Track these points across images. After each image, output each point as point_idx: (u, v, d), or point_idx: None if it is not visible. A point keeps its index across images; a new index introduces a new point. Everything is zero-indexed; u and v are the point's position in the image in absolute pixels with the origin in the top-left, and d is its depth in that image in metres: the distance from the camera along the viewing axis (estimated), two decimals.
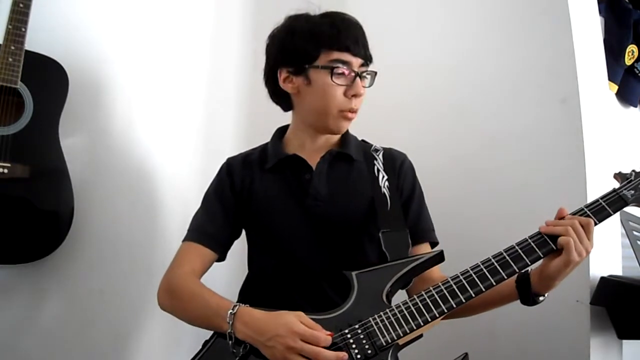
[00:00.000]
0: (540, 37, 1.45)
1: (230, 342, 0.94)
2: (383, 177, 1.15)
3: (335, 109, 1.09)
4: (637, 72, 1.89)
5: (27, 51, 1.22)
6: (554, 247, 0.93)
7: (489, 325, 1.33)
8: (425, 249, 1.14)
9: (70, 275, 1.37)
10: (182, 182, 1.62)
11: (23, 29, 1.21)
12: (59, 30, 1.39)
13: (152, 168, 1.57)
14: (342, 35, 1.07)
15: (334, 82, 1.06)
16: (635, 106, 1.98)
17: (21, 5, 1.21)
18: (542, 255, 0.94)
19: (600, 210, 0.97)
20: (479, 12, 1.60)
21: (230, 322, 0.93)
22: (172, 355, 1.55)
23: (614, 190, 1.00)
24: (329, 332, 0.90)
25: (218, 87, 1.77)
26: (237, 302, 1.08)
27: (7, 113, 1.22)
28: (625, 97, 1.90)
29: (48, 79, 1.28)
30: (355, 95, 1.08)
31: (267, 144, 1.22)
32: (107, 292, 1.43)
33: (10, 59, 1.19)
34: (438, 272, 1.11)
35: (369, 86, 1.12)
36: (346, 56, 1.07)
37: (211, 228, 1.13)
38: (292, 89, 1.13)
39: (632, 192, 0.99)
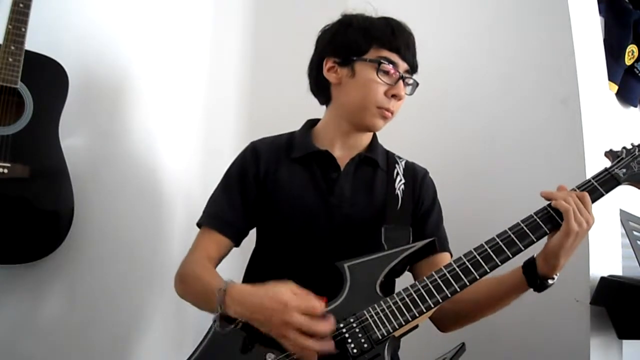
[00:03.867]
0: (540, 37, 1.45)
1: (217, 321, 0.93)
2: (400, 180, 1.16)
3: (374, 104, 1.10)
4: (637, 72, 1.89)
5: (27, 51, 1.22)
6: (559, 221, 0.92)
7: (488, 324, 1.32)
8: (445, 258, 1.13)
9: (70, 275, 1.37)
10: (182, 181, 1.62)
11: (23, 29, 1.21)
12: (59, 30, 1.39)
13: (152, 168, 1.57)
14: (395, 36, 1.10)
15: (379, 78, 1.09)
16: (635, 106, 1.98)
17: (21, 5, 1.21)
18: (547, 232, 0.93)
19: (592, 190, 0.96)
20: (478, 12, 1.60)
21: (220, 299, 0.93)
22: (173, 356, 1.54)
23: (606, 169, 0.98)
24: (321, 297, 0.89)
25: (218, 87, 1.77)
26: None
27: (7, 113, 1.22)
28: (625, 97, 1.90)
29: (48, 79, 1.28)
30: (395, 96, 1.10)
31: (293, 132, 1.22)
32: (107, 292, 1.43)
33: (10, 59, 1.19)
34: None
35: (410, 94, 1.14)
36: (395, 57, 1.09)
37: (229, 215, 1.13)
38: (335, 79, 1.14)
39: (624, 170, 0.96)
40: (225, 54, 1.81)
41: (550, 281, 0.97)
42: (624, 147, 1.01)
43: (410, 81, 1.13)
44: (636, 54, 1.86)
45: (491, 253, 0.93)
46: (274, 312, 0.87)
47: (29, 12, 1.22)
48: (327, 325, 0.87)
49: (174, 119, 1.63)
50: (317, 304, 0.88)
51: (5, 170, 1.18)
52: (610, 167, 0.98)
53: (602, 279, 1.26)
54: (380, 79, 1.08)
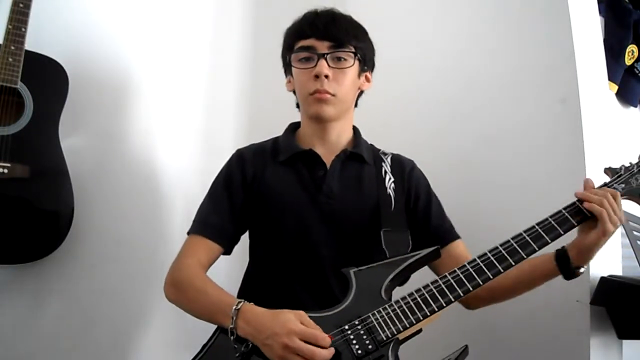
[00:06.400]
0: (540, 37, 1.45)
1: (232, 337, 0.94)
2: (390, 179, 1.16)
3: (305, 93, 1.11)
4: (637, 72, 1.89)
5: (27, 51, 1.22)
6: (588, 214, 0.97)
7: (489, 324, 1.33)
8: (460, 246, 1.15)
9: (70, 275, 1.37)
10: (182, 181, 1.62)
11: (23, 29, 1.21)
12: (59, 30, 1.39)
13: (152, 168, 1.57)
14: (307, 22, 1.12)
15: (298, 67, 1.12)
16: (635, 106, 1.98)
17: (21, 5, 1.21)
18: (575, 224, 0.98)
19: None
20: (479, 12, 1.60)
21: (234, 318, 0.94)
22: (173, 356, 1.54)
23: (605, 184, 1.04)
24: (328, 335, 0.90)
25: (218, 86, 1.77)
26: (238, 294, 1.10)
27: (7, 113, 1.22)
28: (625, 97, 1.90)
29: (48, 79, 1.28)
30: (317, 76, 1.09)
31: (278, 137, 1.23)
32: (107, 292, 1.43)
33: (10, 59, 1.19)
34: (466, 254, 1.13)
35: (350, 66, 1.11)
36: (310, 42, 1.10)
37: (217, 221, 1.13)
38: (290, 87, 1.19)
39: (623, 185, 1.03)
40: (225, 54, 1.81)
41: (581, 270, 1.01)
42: (623, 165, 1.07)
43: (343, 54, 1.10)
44: (636, 54, 1.86)
45: (493, 260, 0.96)
46: (276, 335, 0.88)
47: (29, 12, 1.22)
48: (326, 353, 0.87)
49: (174, 119, 1.63)
50: (321, 335, 0.89)
51: (5, 170, 1.18)
52: (609, 182, 1.04)
53: (602, 279, 1.26)
54: (300, 67, 1.11)
